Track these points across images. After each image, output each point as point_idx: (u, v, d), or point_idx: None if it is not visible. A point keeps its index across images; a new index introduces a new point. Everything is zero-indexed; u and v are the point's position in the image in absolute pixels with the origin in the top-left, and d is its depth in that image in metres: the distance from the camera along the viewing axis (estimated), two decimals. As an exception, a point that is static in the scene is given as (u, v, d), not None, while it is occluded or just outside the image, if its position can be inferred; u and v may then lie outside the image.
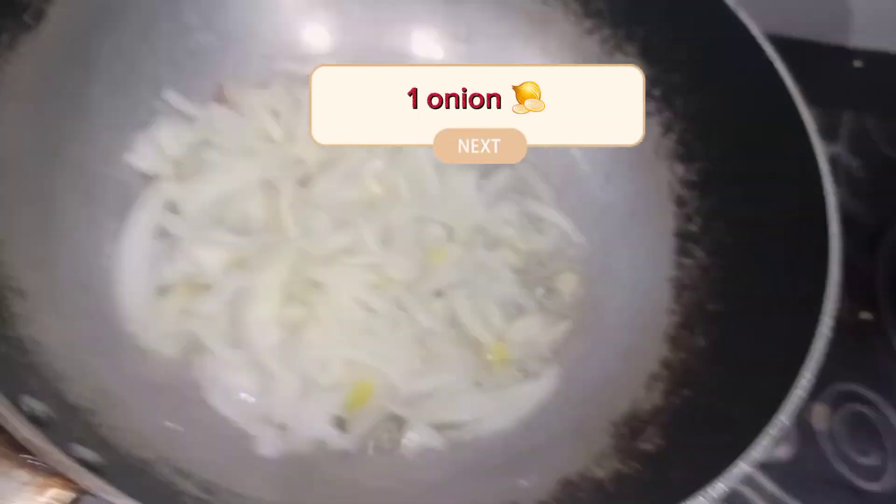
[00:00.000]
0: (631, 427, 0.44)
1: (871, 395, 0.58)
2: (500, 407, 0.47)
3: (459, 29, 0.59)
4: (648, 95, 0.54)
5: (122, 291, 0.46)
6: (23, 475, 0.31)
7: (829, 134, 0.70)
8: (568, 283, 0.53)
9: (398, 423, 0.45)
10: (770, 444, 0.35)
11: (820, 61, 0.77)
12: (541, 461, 0.43)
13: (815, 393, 0.57)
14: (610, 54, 0.56)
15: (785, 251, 0.45)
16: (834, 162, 0.68)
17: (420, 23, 0.59)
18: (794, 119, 0.45)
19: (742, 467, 0.35)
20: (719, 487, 0.34)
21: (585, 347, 0.51)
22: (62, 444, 0.31)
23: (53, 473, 0.31)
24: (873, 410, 0.56)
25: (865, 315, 0.60)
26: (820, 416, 0.55)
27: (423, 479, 0.44)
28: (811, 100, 0.65)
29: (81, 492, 0.31)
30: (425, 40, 0.59)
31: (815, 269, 0.41)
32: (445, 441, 0.45)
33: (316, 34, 0.58)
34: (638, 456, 0.42)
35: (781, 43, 0.47)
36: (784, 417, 0.35)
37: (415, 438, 0.45)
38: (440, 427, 0.46)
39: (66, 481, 0.31)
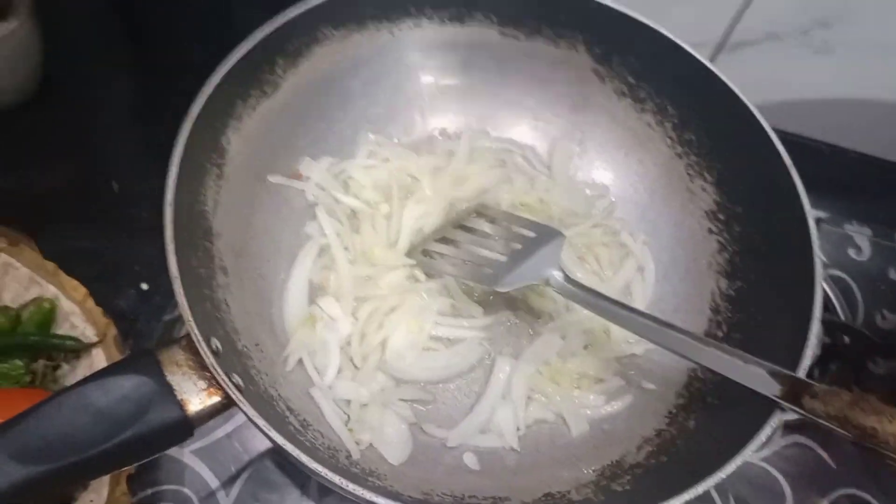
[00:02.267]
0: (613, 471, 0.55)
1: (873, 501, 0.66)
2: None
3: (575, 134, 0.73)
4: (714, 217, 0.66)
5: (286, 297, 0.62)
6: (201, 384, 0.45)
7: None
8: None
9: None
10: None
11: None
12: (537, 476, 0.56)
13: (824, 493, 0.66)
14: (691, 178, 0.67)
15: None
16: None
17: (544, 122, 0.73)
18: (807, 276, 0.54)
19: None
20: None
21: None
22: (227, 371, 0.45)
23: (218, 387, 0.45)
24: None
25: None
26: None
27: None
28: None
29: (231, 403, 0.46)
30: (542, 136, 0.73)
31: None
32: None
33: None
34: (608, 493, 0.53)
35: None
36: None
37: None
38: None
39: (224, 394, 0.45)
